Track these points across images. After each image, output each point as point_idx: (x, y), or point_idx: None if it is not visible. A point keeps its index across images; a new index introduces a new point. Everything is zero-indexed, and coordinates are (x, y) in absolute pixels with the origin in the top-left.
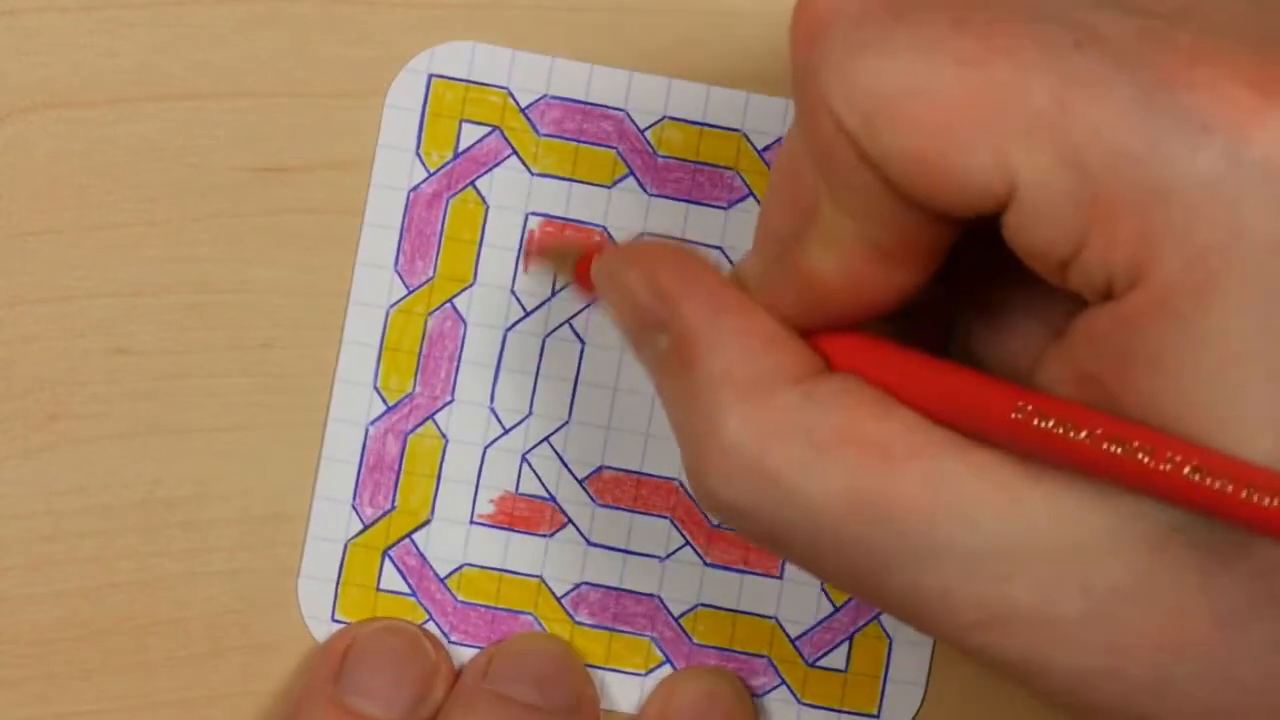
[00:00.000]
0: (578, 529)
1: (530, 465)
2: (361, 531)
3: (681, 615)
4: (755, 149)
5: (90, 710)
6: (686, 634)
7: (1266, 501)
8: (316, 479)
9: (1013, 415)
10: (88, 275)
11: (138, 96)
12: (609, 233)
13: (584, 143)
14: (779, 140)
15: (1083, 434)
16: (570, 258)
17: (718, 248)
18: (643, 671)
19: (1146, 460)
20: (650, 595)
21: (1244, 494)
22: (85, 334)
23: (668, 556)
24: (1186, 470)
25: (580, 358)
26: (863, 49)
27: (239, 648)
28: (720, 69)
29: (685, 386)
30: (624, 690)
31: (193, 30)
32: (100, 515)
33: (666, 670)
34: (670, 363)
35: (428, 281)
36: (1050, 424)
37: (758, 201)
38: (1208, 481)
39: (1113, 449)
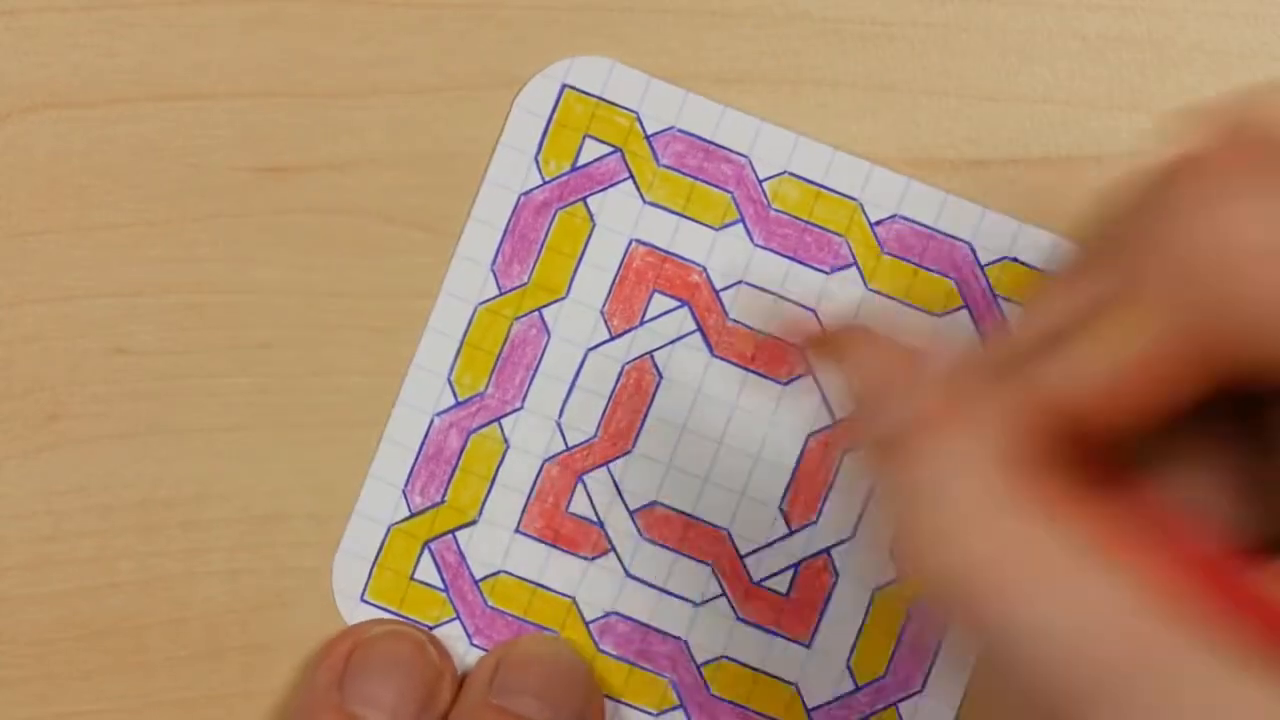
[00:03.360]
0: (619, 558)
1: (585, 486)
2: (407, 519)
3: (704, 663)
4: (868, 221)
5: (90, 710)
6: (705, 683)
7: None
8: (374, 458)
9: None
10: (88, 275)
11: (138, 96)
12: (708, 274)
13: (701, 181)
14: (892, 217)
15: None
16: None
17: (810, 309)
18: (655, 711)
19: None
20: (677, 638)
21: None
22: (85, 334)
23: (702, 603)
24: None
25: (655, 391)
26: (1236, 193)
27: (239, 648)
28: (842, 134)
29: (917, 470)
30: None
31: (193, 30)
32: (100, 515)
33: (679, 716)
34: (905, 442)
35: (520, 286)
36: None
37: (859, 272)
38: None
39: None
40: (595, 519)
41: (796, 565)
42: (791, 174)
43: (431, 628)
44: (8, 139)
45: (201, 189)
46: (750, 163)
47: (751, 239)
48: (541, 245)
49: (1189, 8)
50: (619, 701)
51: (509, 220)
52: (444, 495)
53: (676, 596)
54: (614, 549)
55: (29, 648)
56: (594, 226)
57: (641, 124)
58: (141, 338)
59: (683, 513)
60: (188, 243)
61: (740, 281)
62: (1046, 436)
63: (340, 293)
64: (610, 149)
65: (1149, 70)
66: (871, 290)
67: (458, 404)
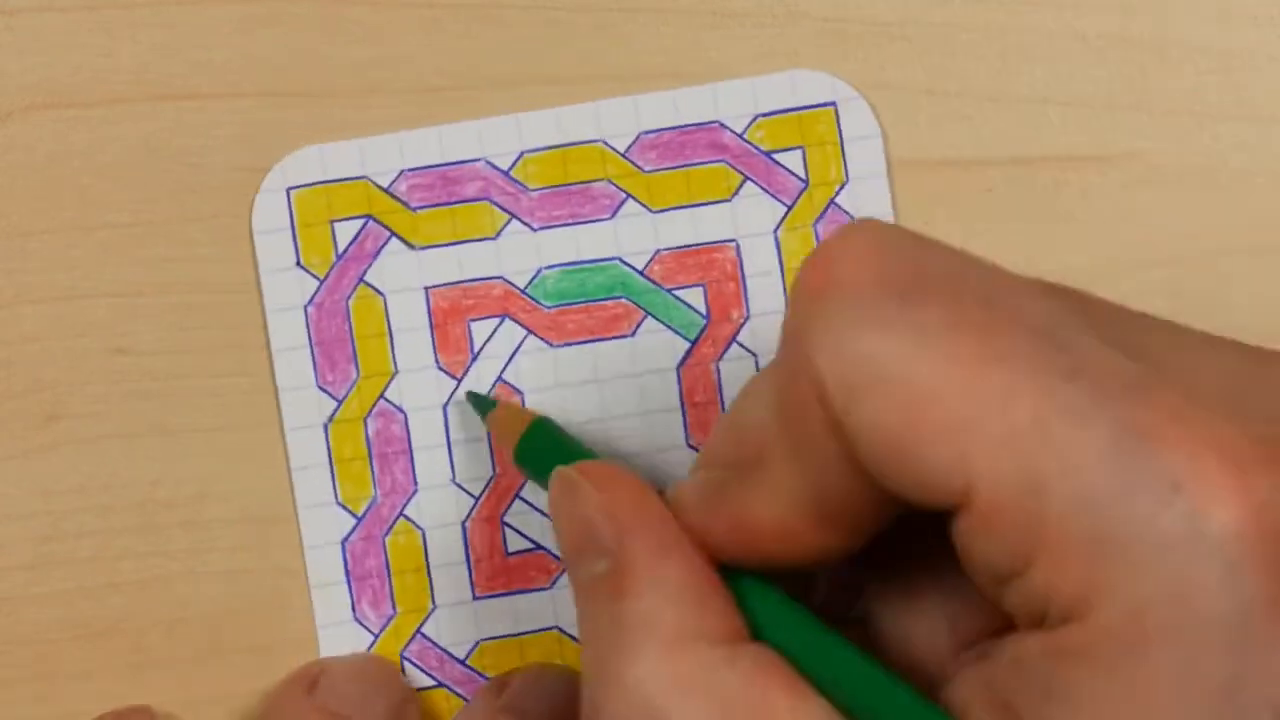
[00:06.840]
0: None
1: (510, 525)
2: (373, 644)
3: None
4: (617, 152)
5: (90, 710)
6: None
7: None
8: (313, 608)
9: None
10: (88, 275)
11: (138, 96)
12: (508, 280)
13: (456, 203)
14: (636, 137)
15: None
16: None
17: (614, 259)
18: None
19: None
20: None
21: None
22: (85, 334)
23: None
24: None
25: (523, 404)
26: (861, 321)
27: (239, 648)
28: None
29: (610, 618)
30: None
31: (193, 30)
32: (100, 515)
33: None
34: (602, 589)
35: (353, 386)
36: None
37: (638, 202)
38: None
39: None
40: (534, 545)
41: None
42: (527, 151)
43: None
44: (8, 139)
45: (201, 189)
46: (487, 161)
47: (530, 228)
48: (351, 340)
49: (1189, 8)
50: None
51: (308, 335)
52: (393, 605)
53: None
54: None
55: (29, 648)
56: (385, 297)
57: (374, 183)
58: (141, 338)
59: None
60: (188, 243)
61: (539, 269)
62: (746, 553)
63: None
64: (360, 220)
65: (1149, 70)
66: (657, 211)
67: (359, 521)
